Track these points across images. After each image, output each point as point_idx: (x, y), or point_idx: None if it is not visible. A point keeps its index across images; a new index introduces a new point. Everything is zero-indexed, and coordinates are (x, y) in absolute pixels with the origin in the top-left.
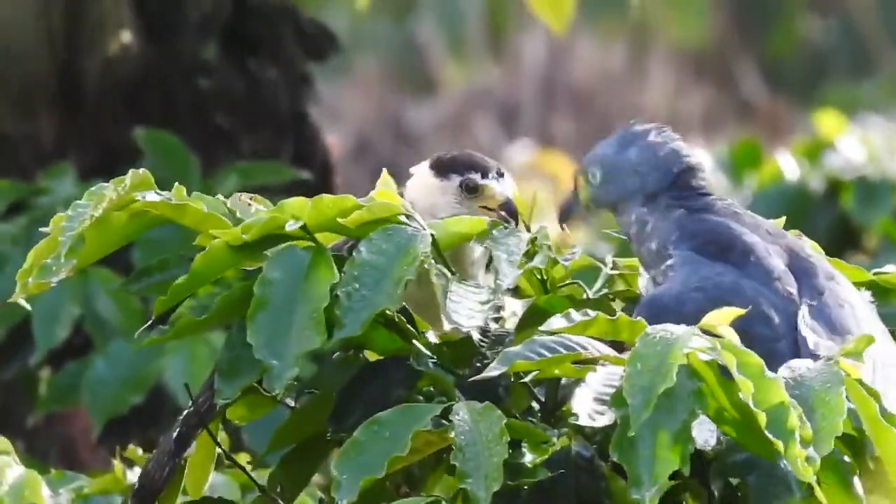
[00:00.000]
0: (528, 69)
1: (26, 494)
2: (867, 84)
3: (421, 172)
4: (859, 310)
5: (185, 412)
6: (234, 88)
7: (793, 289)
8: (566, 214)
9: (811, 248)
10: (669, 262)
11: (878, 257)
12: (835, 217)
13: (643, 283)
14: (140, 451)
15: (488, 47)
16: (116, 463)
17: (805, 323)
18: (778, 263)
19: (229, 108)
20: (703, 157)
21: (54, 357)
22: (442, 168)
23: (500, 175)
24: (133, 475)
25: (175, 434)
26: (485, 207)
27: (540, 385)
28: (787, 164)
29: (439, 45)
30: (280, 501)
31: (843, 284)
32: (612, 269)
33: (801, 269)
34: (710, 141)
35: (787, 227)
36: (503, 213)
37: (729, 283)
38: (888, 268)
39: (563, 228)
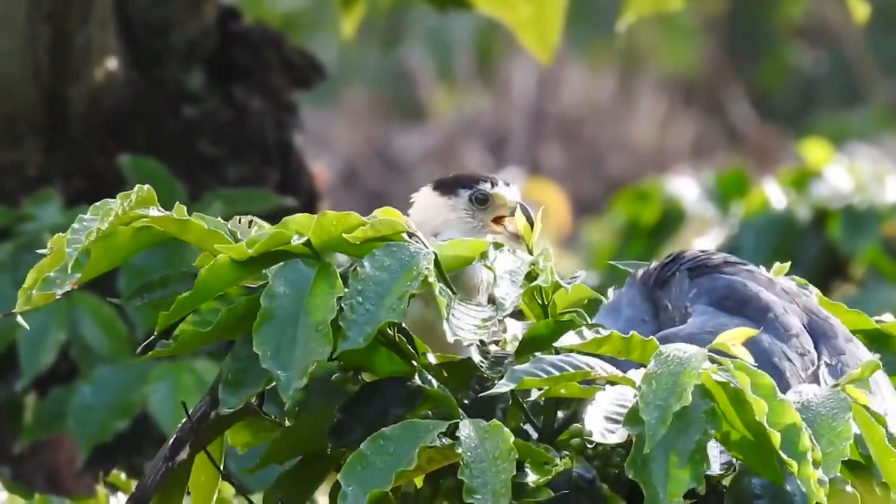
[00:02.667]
0: (517, 97)
1: None
2: (857, 113)
3: (424, 195)
4: (878, 373)
5: (182, 421)
6: (219, 117)
7: (810, 347)
8: None
9: (827, 312)
10: (689, 320)
11: (865, 287)
12: (821, 246)
13: None
14: (123, 477)
15: (477, 76)
16: (99, 488)
17: (825, 382)
18: (795, 322)
19: (215, 136)
20: (689, 185)
21: (40, 383)
22: (448, 186)
23: (507, 184)
24: (116, 501)
25: (171, 441)
26: (497, 218)
27: (536, 415)
28: (774, 193)
29: (428, 74)
30: None
31: (861, 347)
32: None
33: (819, 329)
34: (700, 170)
35: (774, 256)
36: (519, 215)
37: None
38: (886, 317)
39: None
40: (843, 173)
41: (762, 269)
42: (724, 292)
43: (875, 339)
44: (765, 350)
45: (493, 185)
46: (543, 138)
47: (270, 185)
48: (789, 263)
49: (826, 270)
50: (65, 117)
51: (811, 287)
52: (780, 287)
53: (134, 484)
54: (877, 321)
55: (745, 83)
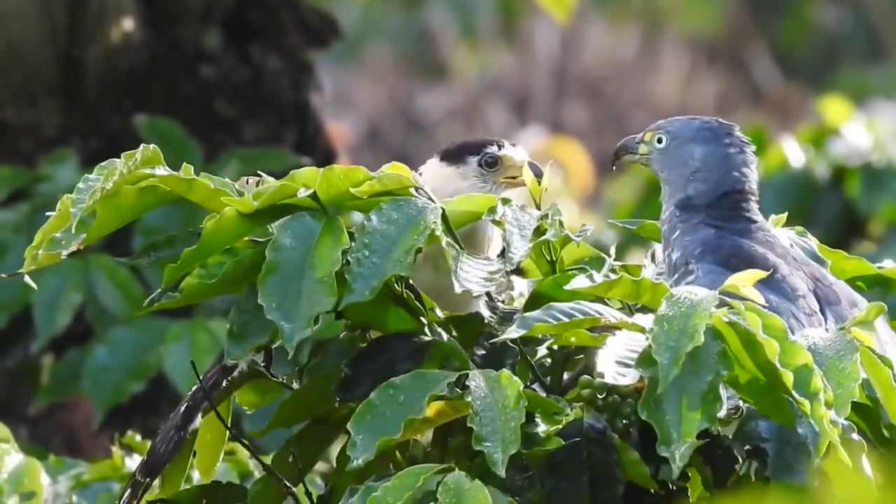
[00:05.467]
0: (540, 56)
1: (25, 482)
2: (879, 70)
3: (432, 167)
4: (883, 334)
5: (192, 388)
6: (235, 76)
7: (816, 308)
8: (622, 153)
9: (834, 278)
10: (690, 277)
11: (884, 244)
12: (840, 204)
13: (647, 275)
14: (139, 438)
15: (500, 34)
16: (115, 450)
17: None
18: (802, 283)
19: (231, 95)
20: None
21: (56, 345)
22: (454, 155)
23: (513, 144)
24: (132, 462)
25: (182, 408)
26: (509, 178)
27: (544, 375)
28: (793, 151)
29: (451, 33)
30: (286, 483)
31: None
32: (615, 259)
33: (824, 295)
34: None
35: (792, 214)
36: (527, 170)
37: None
38: (887, 263)
39: (614, 166)
40: (862, 130)
41: (777, 238)
42: (731, 251)
43: (876, 284)
44: (773, 309)
45: (500, 147)
46: (566, 96)
47: (287, 145)
48: (786, 214)
49: (845, 228)
50: (81, 78)
51: (809, 236)
52: (791, 256)
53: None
54: (878, 267)
55: (767, 40)
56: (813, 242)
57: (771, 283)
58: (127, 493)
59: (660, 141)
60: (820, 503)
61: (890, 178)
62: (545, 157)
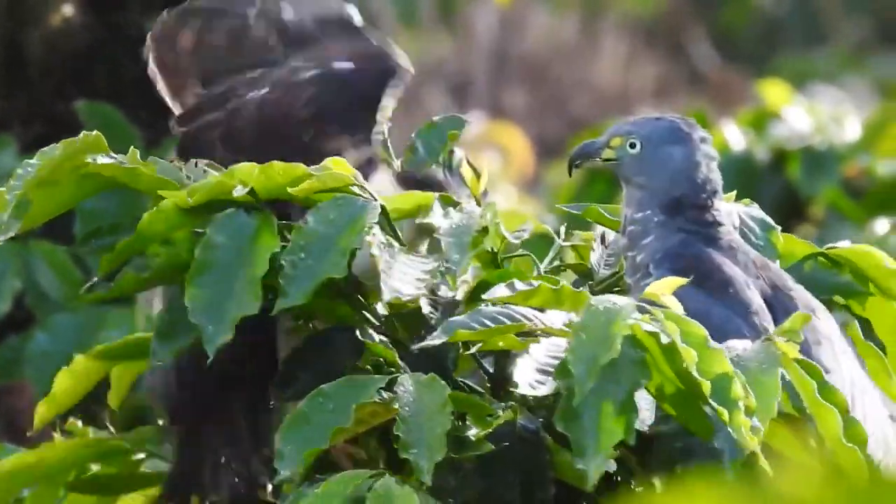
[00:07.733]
0: (480, 41)
1: None
2: (820, 54)
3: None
4: (837, 345)
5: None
6: None
7: (769, 325)
8: (581, 160)
9: (794, 282)
10: (649, 280)
11: (825, 227)
12: (781, 187)
13: (595, 258)
14: (80, 424)
15: (440, 19)
16: (56, 435)
17: None
18: (756, 298)
19: None
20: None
21: None
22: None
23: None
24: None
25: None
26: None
27: (489, 357)
28: (733, 134)
29: (391, 17)
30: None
31: (823, 319)
32: (564, 240)
33: (781, 304)
34: (662, 111)
35: (734, 198)
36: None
37: (698, 308)
38: (841, 243)
39: (570, 173)
40: (803, 114)
41: (742, 244)
42: (689, 262)
43: (834, 265)
44: (718, 327)
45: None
46: (507, 81)
47: None
48: (735, 192)
49: (786, 211)
50: (22, 61)
51: (756, 206)
52: (752, 260)
53: (91, 431)
54: (829, 248)
55: (707, 24)
56: (762, 215)
57: (724, 298)
58: None
59: (633, 146)
60: (763, 493)
61: (830, 161)
62: (485, 142)
